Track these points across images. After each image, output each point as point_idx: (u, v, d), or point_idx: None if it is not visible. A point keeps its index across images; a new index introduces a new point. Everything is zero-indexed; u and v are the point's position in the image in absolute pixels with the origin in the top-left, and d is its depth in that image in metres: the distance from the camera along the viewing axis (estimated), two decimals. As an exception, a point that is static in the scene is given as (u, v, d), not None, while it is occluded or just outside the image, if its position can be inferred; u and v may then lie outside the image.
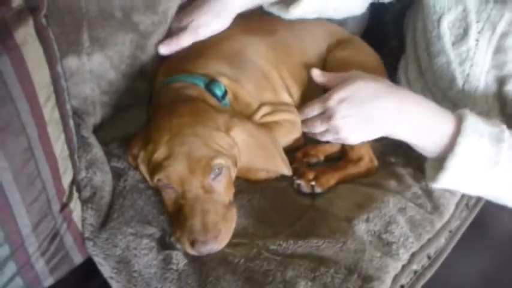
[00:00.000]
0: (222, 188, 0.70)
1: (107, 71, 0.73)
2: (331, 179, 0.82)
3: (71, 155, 0.67)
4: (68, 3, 0.62)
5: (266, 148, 0.76)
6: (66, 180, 0.66)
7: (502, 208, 0.85)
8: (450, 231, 0.76)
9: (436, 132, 0.75)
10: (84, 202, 0.71)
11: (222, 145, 0.69)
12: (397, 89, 0.78)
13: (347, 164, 0.85)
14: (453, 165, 0.73)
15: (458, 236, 0.77)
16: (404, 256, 0.69)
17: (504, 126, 0.75)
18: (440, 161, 0.75)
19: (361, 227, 0.71)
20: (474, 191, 0.78)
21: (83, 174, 0.72)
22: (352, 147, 0.85)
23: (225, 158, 0.68)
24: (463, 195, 0.81)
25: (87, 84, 0.71)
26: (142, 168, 0.72)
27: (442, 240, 0.75)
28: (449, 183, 0.76)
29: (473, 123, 0.74)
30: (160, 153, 0.67)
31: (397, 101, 0.75)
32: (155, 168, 0.67)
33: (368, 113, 0.75)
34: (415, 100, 0.77)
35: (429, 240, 0.73)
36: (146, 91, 0.85)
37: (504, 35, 0.82)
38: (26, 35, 0.51)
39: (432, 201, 0.78)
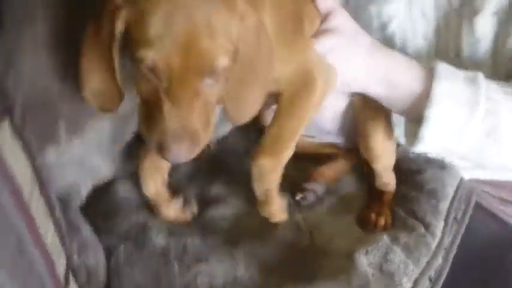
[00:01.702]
0: (215, 90, 0.57)
1: (88, 156, 0.73)
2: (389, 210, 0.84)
3: (62, 242, 0.66)
4: (41, 99, 0.63)
5: (264, 55, 0.62)
6: (61, 269, 0.65)
7: (489, 215, 0.90)
8: (445, 249, 0.79)
9: (410, 82, 0.73)
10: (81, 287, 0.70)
11: (231, 35, 0.55)
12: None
13: (383, 194, 0.87)
14: (433, 113, 0.70)
15: (454, 252, 0.79)
16: (408, 285, 0.71)
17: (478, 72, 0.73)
18: (418, 119, 0.72)
19: (362, 261, 0.72)
20: (457, 149, 0.73)
21: (75, 258, 0.71)
22: (378, 176, 0.87)
23: (229, 56, 0.55)
24: (449, 209, 0.83)
25: (69, 171, 0.71)
26: (119, 26, 0.54)
27: (439, 260, 0.76)
28: (431, 140, 0.72)
29: (446, 68, 0.73)
30: (154, 23, 0.51)
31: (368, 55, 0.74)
32: (141, 40, 0.52)
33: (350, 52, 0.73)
34: (386, 53, 0.76)
35: (428, 263, 0.74)
36: (130, 167, 0.86)
37: None
38: (3, 137, 0.51)
39: (421, 221, 0.80)
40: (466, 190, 0.90)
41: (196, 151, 0.57)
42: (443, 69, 0.72)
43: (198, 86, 0.54)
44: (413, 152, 0.88)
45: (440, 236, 0.78)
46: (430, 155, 0.93)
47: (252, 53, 0.59)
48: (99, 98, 0.61)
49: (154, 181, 0.79)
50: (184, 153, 0.55)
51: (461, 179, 0.91)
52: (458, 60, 0.86)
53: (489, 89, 0.72)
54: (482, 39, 0.83)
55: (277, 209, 0.78)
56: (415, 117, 0.73)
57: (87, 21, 0.58)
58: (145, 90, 0.56)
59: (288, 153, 0.71)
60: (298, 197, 0.86)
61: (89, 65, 0.58)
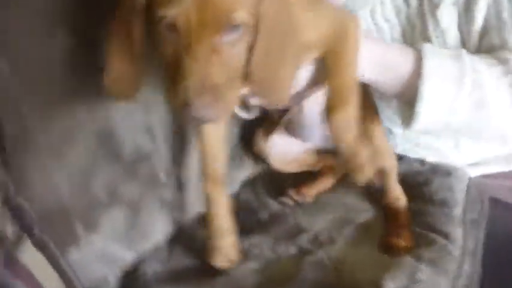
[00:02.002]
0: (235, 54, 0.55)
1: (108, 247, 0.76)
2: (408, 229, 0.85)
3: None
4: (55, 208, 0.67)
5: (291, 26, 0.60)
6: None
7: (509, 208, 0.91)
8: (471, 253, 0.79)
9: (403, 63, 0.76)
10: None
11: (248, 2, 0.54)
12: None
13: (397, 215, 0.88)
14: (426, 89, 0.73)
15: (479, 254, 0.80)
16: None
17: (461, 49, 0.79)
18: (412, 99, 0.75)
19: (390, 287, 0.72)
20: (451, 121, 0.76)
21: None
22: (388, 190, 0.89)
23: (247, 12, 0.54)
24: (463, 213, 0.85)
25: (93, 265, 0.73)
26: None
27: (467, 267, 0.77)
28: (427, 115, 0.75)
29: (432, 47, 0.77)
30: None
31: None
32: (161, 1, 0.52)
33: None
34: (375, 39, 0.81)
35: (457, 272, 0.75)
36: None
37: None
38: (27, 254, 0.56)
39: (439, 232, 0.81)
40: (477, 189, 0.92)
41: (222, 109, 0.54)
42: (429, 48, 0.77)
43: (217, 42, 0.53)
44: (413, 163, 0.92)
45: (462, 243, 0.79)
46: (434, 163, 0.96)
47: (276, 24, 0.57)
48: (118, 85, 0.60)
49: None
50: (208, 109, 0.52)
51: (470, 180, 0.93)
52: None
53: (473, 61, 0.77)
54: (448, 29, 0.88)
55: (365, 161, 0.72)
56: (409, 97, 0.77)
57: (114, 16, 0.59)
58: (167, 55, 0.55)
59: (356, 100, 0.70)
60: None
61: (114, 52, 0.59)
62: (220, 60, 0.53)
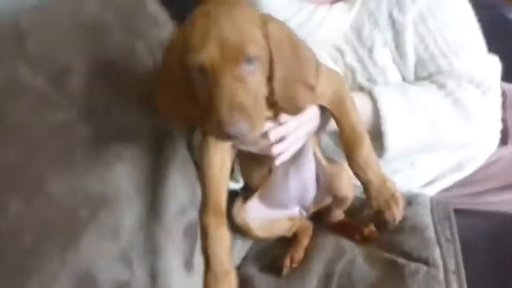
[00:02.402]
0: (255, 83, 0.66)
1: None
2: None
3: None
4: None
5: (301, 55, 0.72)
6: None
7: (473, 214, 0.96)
8: (454, 272, 0.83)
9: (361, 110, 0.83)
10: None
11: (256, 38, 0.66)
12: None
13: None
14: (387, 126, 0.87)
15: (463, 270, 0.83)
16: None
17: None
18: (378, 136, 0.88)
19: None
20: (415, 146, 0.89)
21: None
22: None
23: (258, 48, 0.66)
24: (436, 234, 0.89)
25: None
26: (176, 53, 0.68)
27: (455, 285, 0.80)
28: (394, 147, 0.88)
29: (380, 89, 0.90)
30: (195, 36, 0.65)
31: None
32: (190, 51, 0.65)
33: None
34: None
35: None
36: None
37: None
38: None
39: (418, 259, 0.85)
40: (441, 207, 0.97)
41: (252, 124, 0.64)
42: (379, 90, 0.91)
43: (238, 73, 0.64)
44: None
45: (442, 263, 0.83)
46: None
47: (288, 53, 0.70)
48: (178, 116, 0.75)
49: None
50: (240, 124, 0.62)
51: (432, 201, 0.98)
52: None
53: (417, 92, 0.91)
54: (386, 67, 0.98)
55: (395, 190, 0.77)
56: (374, 134, 0.88)
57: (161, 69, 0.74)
58: (202, 96, 0.67)
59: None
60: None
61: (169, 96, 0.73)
62: (244, 87, 0.65)
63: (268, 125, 0.78)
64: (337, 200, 0.99)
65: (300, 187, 0.96)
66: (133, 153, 0.84)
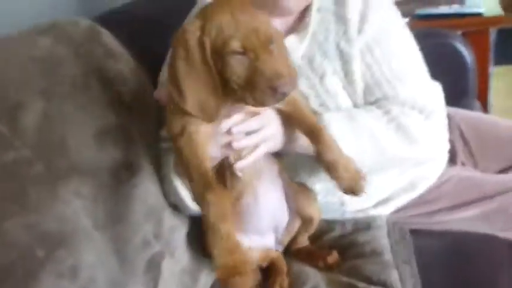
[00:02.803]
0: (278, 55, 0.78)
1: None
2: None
3: None
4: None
5: (285, 52, 0.85)
6: None
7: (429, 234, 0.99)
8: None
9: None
10: None
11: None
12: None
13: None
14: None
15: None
16: None
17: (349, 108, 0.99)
18: None
19: None
20: (364, 166, 0.90)
21: None
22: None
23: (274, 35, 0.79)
24: (393, 257, 0.91)
25: None
26: (207, 43, 0.76)
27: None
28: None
29: (330, 116, 0.95)
30: (230, 26, 0.75)
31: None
32: (227, 39, 0.75)
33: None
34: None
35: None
36: None
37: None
38: None
39: (377, 283, 0.86)
40: (398, 229, 0.99)
41: (294, 85, 0.77)
42: (328, 117, 0.96)
43: (271, 48, 0.76)
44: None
45: (400, 285, 0.85)
46: (354, 221, 1.04)
47: (279, 44, 0.82)
48: (201, 109, 0.78)
49: None
50: (291, 84, 0.75)
51: (388, 223, 1.01)
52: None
53: (364, 118, 0.97)
54: (337, 93, 1.02)
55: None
56: None
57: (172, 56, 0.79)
58: (240, 72, 0.76)
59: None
60: None
61: (191, 84, 0.77)
62: (276, 59, 0.76)
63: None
64: (305, 222, 1.01)
65: (272, 211, 0.97)
66: (92, 189, 0.83)
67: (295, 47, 1.00)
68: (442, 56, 1.64)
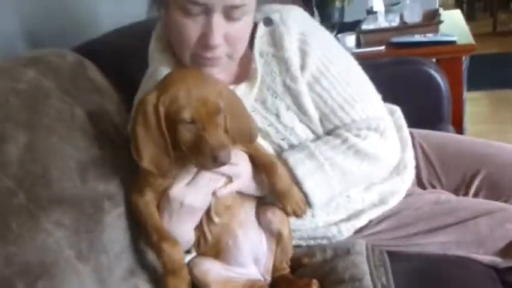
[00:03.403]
0: (223, 124, 0.86)
1: None
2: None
3: None
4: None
5: (240, 105, 0.93)
6: None
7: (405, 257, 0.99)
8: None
9: None
10: None
11: (219, 96, 0.85)
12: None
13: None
14: (307, 188, 1.00)
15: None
16: None
17: (308, 143, 1.05)
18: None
19: None
20: (335, 192, 1.04)
21: None
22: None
23: (222, 103, 0.84)
24: (373, 282, 0.91)
25: None
26: (162, 111, 0.82)
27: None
28: (319, 200, 1.02)
29: (293, 158, 1.02)
30: (182, 98, 0.81)
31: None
32: (179, 109, 0.81)
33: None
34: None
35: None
36: None
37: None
38: None
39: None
40: (376, 253, 1.00)
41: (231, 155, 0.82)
42: (292, 159, 1.02)
43: (217, 120, 0.83)
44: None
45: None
46: (334, 246, 1.04)
47: (233, 105, 0.90)
48: (155, 166, 0.85)
49: None
50: (228, 155, 0.80)
51: (367, 248, 1.01)
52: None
53: (322, 152, 1.03)
54: (295, 127, 1.07)
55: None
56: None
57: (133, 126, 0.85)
58: (189, 139, 0.82)
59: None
60: None
61: (147, 145, 0.84)
62: (221, 129, 0.84)
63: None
64: (278, 241, 1.01)
65: (250, 247, 0.98)
66: (74, 220, 0.82)
67: (248, 92, 1.04)
68: (417, 83, 1.68)
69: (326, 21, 2.68)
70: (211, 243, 0.98)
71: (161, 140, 0.84)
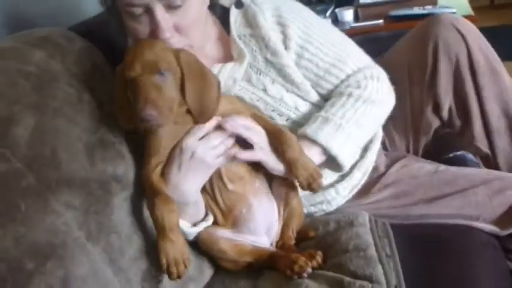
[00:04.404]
0: (167, 88, 0.83)
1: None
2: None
3: None
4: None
5: (205, 75, 0.90)
6: None
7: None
8: (396, 287, 0.82)
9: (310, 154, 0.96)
10: None
11: (167, 59, 0.84)
12: None
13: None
14: (334, 150, 0.99)
15: (403, 284, 0.84)
16: None
17: (318, 113, 1.05)
18: (332, 161, 1.01)
19: None
20: (357, 145, 1.07)
21: None
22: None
23: (168, 64, 0.84)
24: (377, 252, 0.88)
25: None
26: (122, 73, 0.85)
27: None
28: (347, 159, 1.02)
29: (310, 129, 1.01)
30: (129, 59, 0.83)
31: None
32: (126, 68, 0.83)
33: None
34: None
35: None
36: None
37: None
38: None
39: (363, 277, 0.83)
40: (380, 225, 0.97)
41: (161, 113, 0.81)
42: (311, 131, 1.01)
43: (153, 80, 0.82)
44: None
45: (385, 279, 0.82)
46: (337, 219, 1.02)
47: (195, 72, 0.88)
48: (124, 120, 0.88)
49: None
50: (151, 111, 0.79)
51: (371, 220, 0.99)
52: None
53: (334, 113, 1.03)
54: (282, 97, 1.08)
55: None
56: (328, 162, 1.03)
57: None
58: (131, 98, 0.83)
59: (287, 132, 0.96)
60: None
61: (121, 108, 0.88)
62: (157, 90, 0.82)
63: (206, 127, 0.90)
64: (286, 204, 1.00)
65: (264, 217, 0.97)
66: (83, 200, 0.79)
67: (236, 71, 1.05)
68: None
69: (323, -5, 2.61)
70: (225, 212, 0.96)
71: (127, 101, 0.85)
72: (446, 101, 1.17)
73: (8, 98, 0.79)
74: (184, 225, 0.92)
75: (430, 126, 1.23)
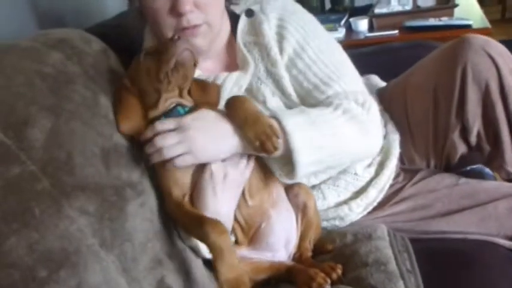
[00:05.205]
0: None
1: None
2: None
3: None
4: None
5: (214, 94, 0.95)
6: None
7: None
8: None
9: None
10: None
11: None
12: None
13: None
14: (294, 142, 0.86)
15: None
16: None
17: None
18: (287, 156, 0.88)
19: None
20: (323, 158, 0.91)
21: None
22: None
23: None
24: (398, 266, 0.84)
25: None
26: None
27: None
28: (304, 161, 0.88)
29: (283, 111, 0.95)
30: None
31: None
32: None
33: (214, 131, 0.85)
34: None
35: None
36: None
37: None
38: None
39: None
40: (399, 239, 0.92)
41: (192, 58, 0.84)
42: (281, 112, 0.92)
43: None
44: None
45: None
46: (354, 232, 0.97)
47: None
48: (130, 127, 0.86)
49: None
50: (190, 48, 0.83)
51: (389, 233, 0.94)
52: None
53: (315, 111, 0.94)
54: (296, 98, 1.02)
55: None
56: (284, 155, 0.89)
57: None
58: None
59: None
60: None
61: (125, 110, 0.87)
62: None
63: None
64: (304, 214, 0.97)
65: (284, 232, 0.94)
66: (98, 206, 0.75)
67: (240, 79, 1.02)
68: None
69: (338, 5, 2.57)
70: (245, 229, 0.93)
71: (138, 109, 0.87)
72: (475, 126, 1.07)
73: (25, 99, 0.76)
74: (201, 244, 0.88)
75: (456, 151, 1.12)
